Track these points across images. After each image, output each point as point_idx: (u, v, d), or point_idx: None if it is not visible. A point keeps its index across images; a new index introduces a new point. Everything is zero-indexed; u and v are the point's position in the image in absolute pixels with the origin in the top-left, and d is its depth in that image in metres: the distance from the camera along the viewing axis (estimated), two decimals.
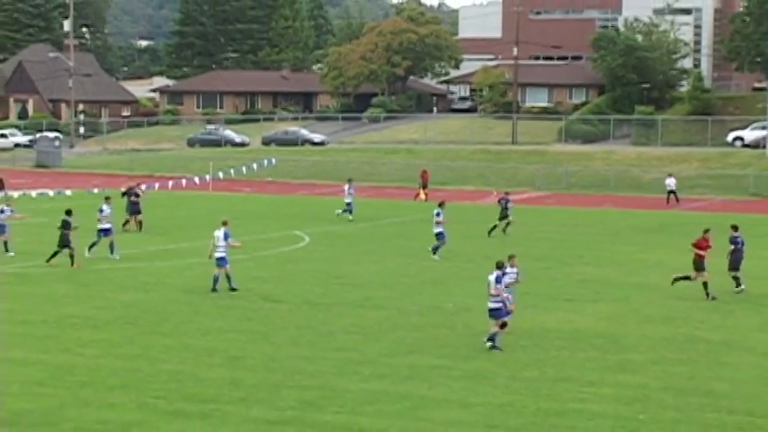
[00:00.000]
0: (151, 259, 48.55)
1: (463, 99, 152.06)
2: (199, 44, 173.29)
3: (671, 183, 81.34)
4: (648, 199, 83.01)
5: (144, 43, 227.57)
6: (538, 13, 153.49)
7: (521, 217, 62.44)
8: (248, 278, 43.35)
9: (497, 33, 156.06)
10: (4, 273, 44.04)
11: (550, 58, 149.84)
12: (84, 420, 23.68)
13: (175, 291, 40.42)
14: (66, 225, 45.74)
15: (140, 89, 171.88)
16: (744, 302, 39.67)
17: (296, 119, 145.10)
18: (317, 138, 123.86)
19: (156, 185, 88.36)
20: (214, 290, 40.21)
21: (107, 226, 48.26)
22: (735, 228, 44.01)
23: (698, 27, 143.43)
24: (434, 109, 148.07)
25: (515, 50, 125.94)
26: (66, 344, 31.18)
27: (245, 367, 28.74)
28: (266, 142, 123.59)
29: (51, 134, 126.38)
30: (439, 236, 49.17)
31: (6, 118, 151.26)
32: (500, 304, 28.41)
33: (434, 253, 48.94)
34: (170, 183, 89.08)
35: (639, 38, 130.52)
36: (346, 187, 64.65)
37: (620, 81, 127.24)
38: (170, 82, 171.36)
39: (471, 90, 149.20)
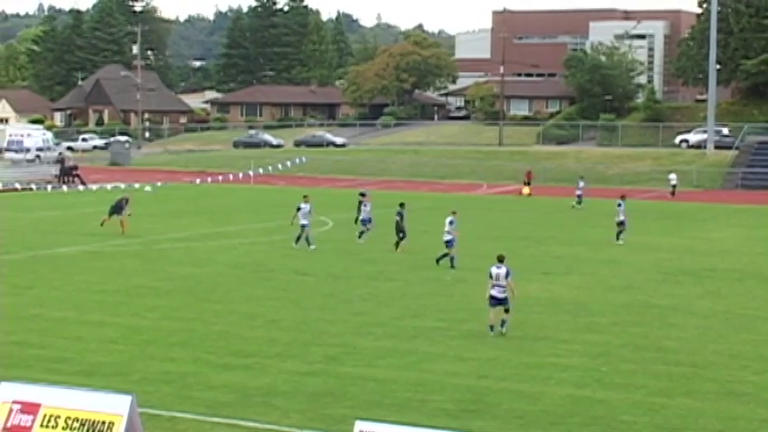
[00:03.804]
0: (203, 240, 48.57)
1: (459, 108, 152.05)
2: (242, 64, 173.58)
3: (673, 178, 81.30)
4: (611, 190, 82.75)
5: (198, 63, 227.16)
6: (520, 38, 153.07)
7: (506, 205, 62.35)
8: (282, 255, 43.39)
9: (487, 54, 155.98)
10: (84, 251, 44.08)
11: (530, 75, 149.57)
12: (150, 371, 23.67)
13: (223, 266, 40.42)
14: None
15: (195, 101, 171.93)
16: (689, 275, 39.57)
17: (322, 125, 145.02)
18: (339, 140, 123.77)
19: (209, 179, 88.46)
20: (297, 244, 44.76)
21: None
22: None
23: (651, 50, 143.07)
24: (435, 117, 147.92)
25: (502, 69, 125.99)
26: (135, 309, 31.20)
27: (280, 328, 28.72)
28: (297, 144, 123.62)
29: (122, 138, 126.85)
30: (448, 243, 40.93)
31: (86, 125, 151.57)
32: (506, 294, 27.90)
33: (439, 262, 40.97)
34: (219, 177, 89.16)
35: (603, 58, 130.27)
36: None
37: (587, 94, 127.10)
38: (219, 95, 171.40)
39: (465, 101, 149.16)
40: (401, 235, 45.14)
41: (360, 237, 48.39)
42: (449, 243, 40.88)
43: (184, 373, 23.58)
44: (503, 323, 27.82)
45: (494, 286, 27.77)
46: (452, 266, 39.80)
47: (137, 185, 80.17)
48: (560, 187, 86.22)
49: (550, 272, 39.93)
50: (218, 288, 35.31)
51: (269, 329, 28.54)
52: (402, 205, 45.63)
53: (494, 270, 27.90)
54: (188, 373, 23.67)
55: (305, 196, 47.01)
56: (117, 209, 50.05)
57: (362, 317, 30.52)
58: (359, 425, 15.88)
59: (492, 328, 27.73)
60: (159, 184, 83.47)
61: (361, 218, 49.71)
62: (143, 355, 25.27)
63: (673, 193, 79.13)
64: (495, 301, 27.75)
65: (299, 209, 45.60)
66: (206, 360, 24.92)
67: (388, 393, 22.15)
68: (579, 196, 68.42)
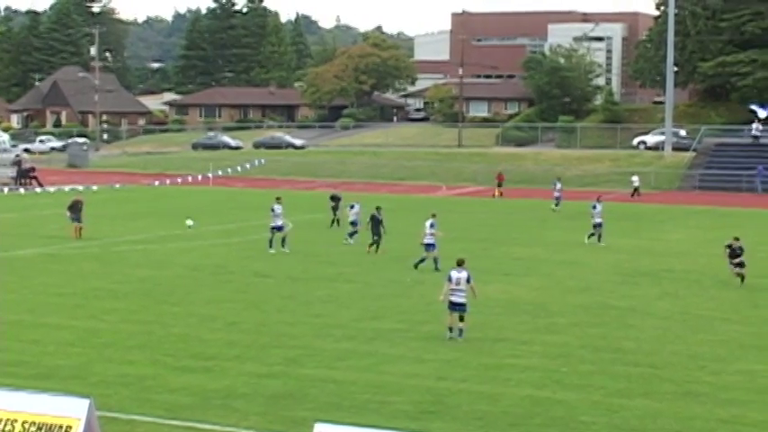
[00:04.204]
0: (162, 242, 48.35)
1: (418, 110, 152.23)
2: (201, 65, 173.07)
3: (635, 180, 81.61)
4: (569, 192, 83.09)
5: (156, 65, 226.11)
6: (479, 40, 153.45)
7: (466, 206, 62.46)
8: (241, 257, 43.27)
9: (446, 56, 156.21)
10: (41, 253, 43.78)
11: (489, 77, 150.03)
12: (108, 375, 23.55)
13: (182, 268, 40.27)
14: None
15: (153, 103, 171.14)
16: (647, 276, 39.80)
17: (281, 127, 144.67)
18: (298, 142, 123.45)
19: (168, 181, 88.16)
20: (272, 248, 44.20)
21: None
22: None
23: (609, 52, 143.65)
24: (394, 118, 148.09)
25: (461, 70, 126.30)
26: (92, 311, 31.02)
27: (239, 330, 28.64)
28: (256, 146, 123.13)
29: (80, 140, 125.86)
30: (428, 247, 40.61)
31: (43, 126, 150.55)
32: (466, 299, 27.65)
33: (418, 266, 40.31)
34: (178, 179, 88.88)
35: (562, 60, 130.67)
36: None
37: (546, 95, 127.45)
38: (177, 97, 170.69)
39: (425, 103, 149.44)
40: (375, 237, 45.03)
41: (350, 237, 48.55)
42: (429, 246, 40.55)
43: (143, 376, 23.47)
44: (460, 332, 27.46)
45: (454, 291, 27.46)
46: (437, 269, 39.07)
47: (94, 187, 79.78)
48: (520, 189, 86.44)
49: (510, 273, 40.03)
50: (177, 290, 35.17)
51: (228, 332, 28.46)
52: (378, 209, 45.62)
53: (454, 274, 27.55)
54: (146, 375, 23.55)
55: (278, 198, 46.87)
56: (77, 214, 49.17)
57: (322, 319, 30.48)
58: (318, 427, 15.85)
59: (451, 330, 27.60)
60: (117, 185, 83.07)
61: (350, 220, 49.59)
62: (101, 358, 25.12)
63: (634, 195, 79.40)
64: (455, 306, 27.48)
65: (272, 210, 45.37)
66: (165, 363, 24.81)
67: (348, 395, 22.14)
68: (557, 198, 68.14)
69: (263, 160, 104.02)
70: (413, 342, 27.33)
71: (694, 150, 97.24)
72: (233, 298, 33.85)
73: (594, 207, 49.64)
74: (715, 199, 79.11)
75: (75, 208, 49.46)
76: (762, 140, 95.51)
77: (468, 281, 27.42)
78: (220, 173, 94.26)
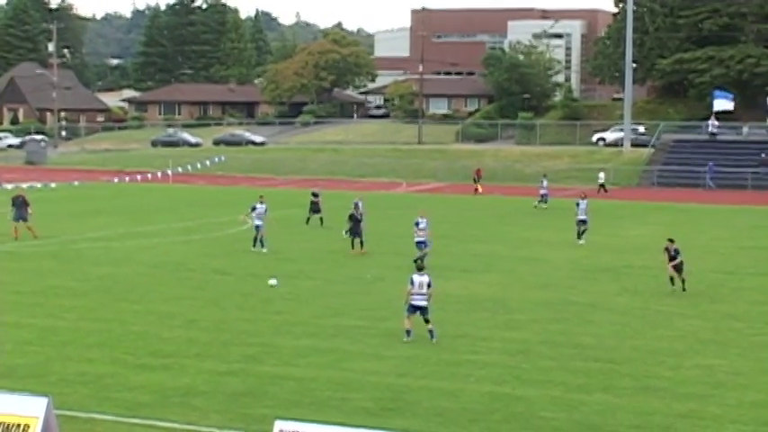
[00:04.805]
0: (121, 239, 48.10)
1: (378, 107, 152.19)
2: (160, 62, 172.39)
3: (601, 176, 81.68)
4: (529, 188, 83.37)
5: (115, 61, 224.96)
6: (439, 36, 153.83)
7: (426, 203, 62.52)
8: (202, 254, 43.15)
9: (406, 53, 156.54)
10: None
11: (449, 74, 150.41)
12: (67, 373, 23.43)
13: (142, 265, 40.10)
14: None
15: (112, 99, 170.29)
16: (607, 272, 39.99)
17: (241, 123, 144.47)
18: (257, 139, 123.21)
19: (127, 178, 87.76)
20: (255, 247, 43.85)
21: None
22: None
23: (568, 49, 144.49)
24: (355, 115, 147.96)
25: (421, 67, 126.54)
26: (51, 310, 30.84)
27: (199, 328, 28.56)
28: (216, 143, 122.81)
29: (38, 137, 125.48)
30: (419, 245, 41.37)
31: (0, 123, 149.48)
32: (427, 302, 27.21)
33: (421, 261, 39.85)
34: (138, 176, 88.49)
35: (521, 57, 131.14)
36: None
37: (505, 92, 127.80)
38: (137, 93, 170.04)
39: (385, 99, 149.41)
40: (354, 235, 44.69)
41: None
42: (420, 244, 40.61)
43: (102, 374, 23.36)
44: (431, 334, 27.02)
45: (415, 295, 27.12)
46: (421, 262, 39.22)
47: (53, 185, 79.32)
48: (480, 186, 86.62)
49: (470, 270, 40.10)
50: (137, 288, 35.01)
51: (188, 329, 28.37)
52: (356, 206, 45.41)
53: (416, 278, 27.23)
54: (106, 373, 23.45)
55: (261, 196, 46.56)
56: (21, 213, 47.70)
57: (282, 316, 30.44)
58: (278, 424, 15.83)
59: (408, 332, 27.11)
60: (76, 183, 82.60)
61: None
62: (60, 357, 24.98)
63: (599, 191, 79.37)
64: (415, 309, 27.13)
65: (253, 209, 44.97)
66: (124, 361, 24.70)
67: (308, 392, 22.12)
68: (543, 195, 67.57)
69: (222, 157, 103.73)
70: (373, 339, 27.34)
71: (653, 147, 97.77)
72: (193, 295, 33.74)
73: (578, 204, 49.43)
74: (673, 195, 79.56)
75: (18, 203, 47.76)
76: (719, 137, 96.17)
77: (428, 285, 27.19)
78: (180, 170, 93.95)
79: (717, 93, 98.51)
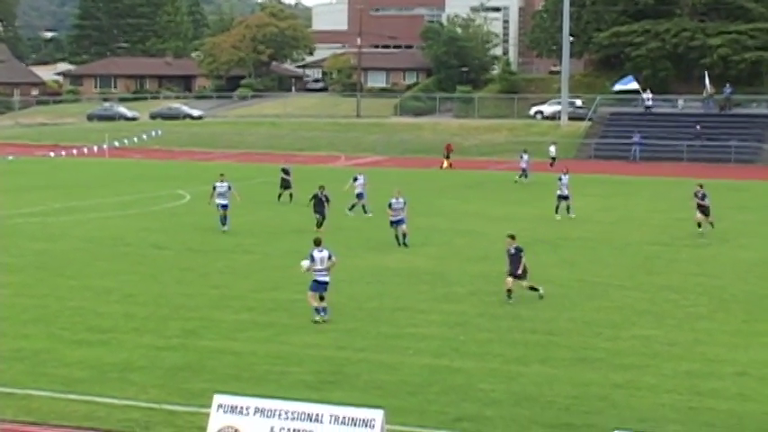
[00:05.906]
0: (57, 215, 47.69)
1: (316, 80, 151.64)
2: (95, 35, 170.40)
3: (552, 150, 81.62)
4: (469, 161, 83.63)
5: (49, 34, 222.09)
6: (377, 9, 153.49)
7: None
8: (139, 229, 42.88)
9: (344, 26, 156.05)
10: None
11: (388, 47, 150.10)
12: (2, 349, 23.20)
13: (78, 240, 39.78)
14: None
15: (47, 73, 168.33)
16: (544, 244, 40.20)
17: (178, 97, 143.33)
18: (195, 113, 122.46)
19: (63, 153, 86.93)
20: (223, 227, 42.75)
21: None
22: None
23: (506, 22, 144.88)
24: (293, 89, 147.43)
25: (359, 40, 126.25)
26: None
27: (137, 303, 28.41)
28: (153, 117, 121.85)
29: None
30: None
31: None
32: (329, 278, 26.72)
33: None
34: (74, 151, 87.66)
35: (459, 30, 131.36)
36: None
37: (444, 65, 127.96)
38: (72, 67, 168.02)
39: (323, 73, 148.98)
40: (318, 216, 43.92)
41: (351, 209, 48.85)
42: (394, 223, 40.00)
43: (38, 350, 23.19)
44: (325, 310, 26.62)
45: (318, 271, 26.63)
46: (403, 244, 39.33)
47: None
48: (417, 158, 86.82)
49: (409, 243, 40.12)
50: (73, 263, 34.75)
51: (125, 304, 28.21)
52: (322, 187, 44.56)
53: (316, 254, 26.69)
54: (42, 349, 23.27)
55: (221, 174, 45.04)
56: None
57: (220, 290, 30.37)
58: (218, 398, 15.82)
59: (318, 310, 26.63)
60: (10, 157, 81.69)
61: (357, 192, 49.25)
62: None
63: (553, 164, 79.37)
64: (319, 285, 26.70)
65: (214, 188, 43.63)
66: (60, 336, 24.53)
67: (247, 366, 22.10)
68: (524, 169, 67.60)
69: (159, 131, 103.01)
70: (311, 312, 27.31)
71: (590, 120, 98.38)
72: (130, 270, 33.55)
73: (560, 179, 49.44)
74: (610, 168, 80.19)
75: None
76: (654, 110, 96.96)
77: (329, 258, 26.73)
78: (117, 144, 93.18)
79: (621, 81, 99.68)
